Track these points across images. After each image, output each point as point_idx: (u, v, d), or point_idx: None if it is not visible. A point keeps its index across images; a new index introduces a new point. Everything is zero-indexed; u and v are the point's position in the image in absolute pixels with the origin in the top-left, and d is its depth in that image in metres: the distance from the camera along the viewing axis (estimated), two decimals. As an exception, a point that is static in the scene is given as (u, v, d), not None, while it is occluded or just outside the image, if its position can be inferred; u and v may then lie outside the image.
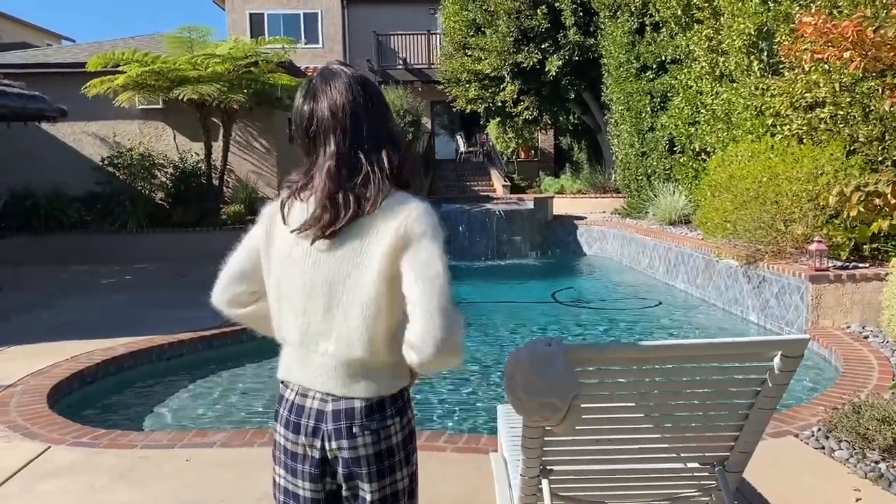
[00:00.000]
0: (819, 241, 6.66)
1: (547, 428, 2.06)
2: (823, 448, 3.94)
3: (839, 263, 6.89)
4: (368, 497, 1.70)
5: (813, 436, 4.08)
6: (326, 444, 1.68)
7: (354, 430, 1.66)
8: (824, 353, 6.04)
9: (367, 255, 1.61)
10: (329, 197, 1.61)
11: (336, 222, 1.61)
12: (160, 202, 13.45)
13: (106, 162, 13.34)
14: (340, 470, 1.70)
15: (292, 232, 1.66)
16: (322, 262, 1.64)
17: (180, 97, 11.80)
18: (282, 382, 1.78)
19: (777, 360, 2.00)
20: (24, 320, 7.71)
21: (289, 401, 1.74)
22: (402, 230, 1.59)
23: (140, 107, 13.74)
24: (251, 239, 1.79)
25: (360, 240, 1.62)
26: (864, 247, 6.97)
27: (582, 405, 1.94)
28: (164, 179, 13.65)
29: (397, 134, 1.73)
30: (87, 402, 5.45)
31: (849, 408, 4.10)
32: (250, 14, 22.27)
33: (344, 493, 1.73)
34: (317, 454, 1.70)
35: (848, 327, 6.45)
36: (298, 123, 1.72)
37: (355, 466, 1.68)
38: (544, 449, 2.23)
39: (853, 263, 6.92)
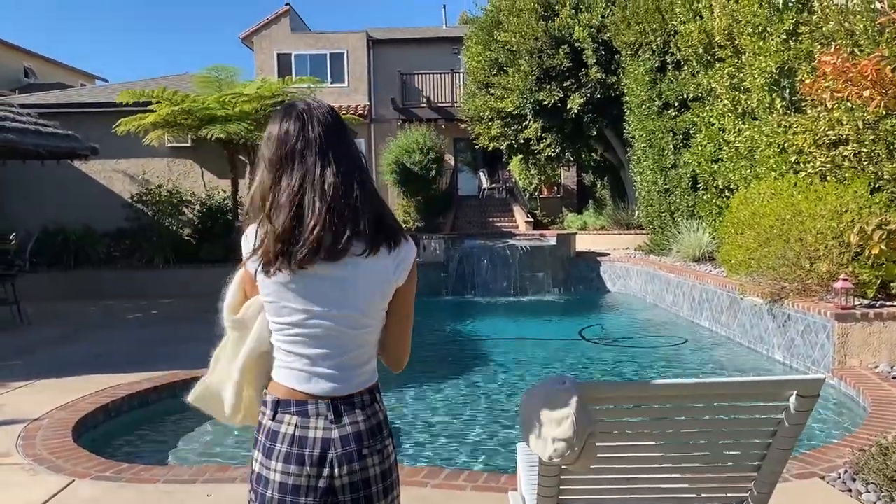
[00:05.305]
0: (845, 279, 6.56)
1: (563, 466, 2.06)
2: (850, 490, 3.86)
3: (866, 302, 6.79)
4: None
5: (839, 478, 4.00)
6: (335, 471, 1.69)
7: (364, 452, 1.71)
8: (852, 393, 5.93)
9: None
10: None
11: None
12: (187, 238, 13.67)
13: (135, 198, 13.64)
14: (347, 497, 1.71)
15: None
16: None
17: (209, 136, 12.06)
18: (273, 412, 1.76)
19: (793, 399, 1.99)
20: (51, 354, 7.83)
21: (287, 434, 1.72)
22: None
23: (169, 145, 14.06)
24: None
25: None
26: (892, 285, 6.86)
27: (597, 443, 1.95)
28: (191, 216, 13.90)
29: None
30: (112, 435, 5.50)
31: (876, 449, 4.02)
32: (278, 55, 22.76)
33: None
34: (323, 483, 1.70)
35: (876, 367, 6.33)
36: (283, 155, 1.69)
37: (365, 489, 1.72)
38: (561, 488, 2.23)
39: (880, 302, 6.81)
